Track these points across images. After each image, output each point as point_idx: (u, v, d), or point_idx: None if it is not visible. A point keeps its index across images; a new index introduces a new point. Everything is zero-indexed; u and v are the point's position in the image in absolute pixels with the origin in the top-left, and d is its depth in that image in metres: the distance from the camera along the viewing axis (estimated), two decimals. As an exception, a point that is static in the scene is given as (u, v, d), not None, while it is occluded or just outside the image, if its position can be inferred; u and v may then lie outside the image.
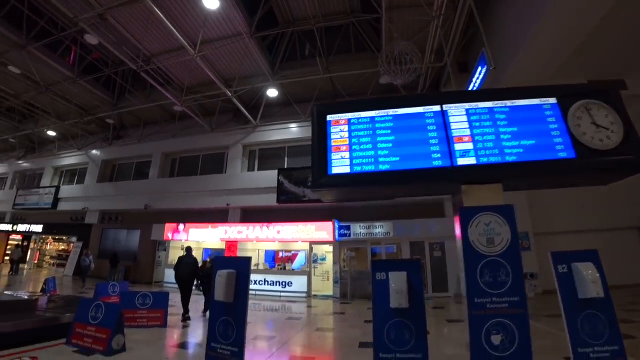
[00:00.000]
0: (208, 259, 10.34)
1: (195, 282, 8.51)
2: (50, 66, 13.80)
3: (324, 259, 13.44)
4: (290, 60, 13.56)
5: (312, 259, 13.05)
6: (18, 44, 12.63)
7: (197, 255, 15.39)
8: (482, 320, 2.44)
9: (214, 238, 14.08)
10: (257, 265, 13.45)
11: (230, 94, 12.77)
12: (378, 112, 3.03)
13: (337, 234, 12.60)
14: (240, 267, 3.55)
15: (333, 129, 3.03)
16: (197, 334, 6.56)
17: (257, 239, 13.21)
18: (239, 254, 13.71)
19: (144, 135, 17.92)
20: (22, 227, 21.89)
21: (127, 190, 17.26)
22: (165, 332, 6.42)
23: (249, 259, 3.62)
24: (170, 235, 15.09)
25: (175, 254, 15.13)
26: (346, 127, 3.02)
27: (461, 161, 2.75)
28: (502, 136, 2.80)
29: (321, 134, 3.01)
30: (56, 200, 19.96)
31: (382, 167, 2.82)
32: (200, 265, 8.69)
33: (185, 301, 7.84)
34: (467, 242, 2.58)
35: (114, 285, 8.59)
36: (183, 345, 5.68)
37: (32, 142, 22.95)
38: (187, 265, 8.03)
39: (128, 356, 4.72)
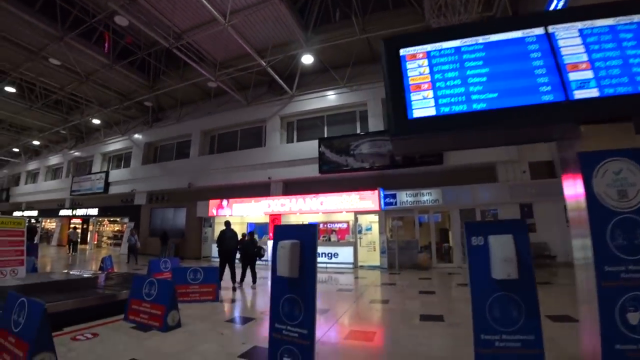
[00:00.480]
0: (246, 233, 10.59)
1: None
2: (86, 54, 13.97)
3: (369, 229, 13.13)
4: (324, 24, 12.76)
5: (357, 230, 12.78)
6: (55, 35, 12.80)
7: (241, 229, 15.79)
8: (615, 293, 1.94)
9: (257, 212, 14.14)
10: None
11: (264, 63, 12.34)
12: (464, 40, 2.46)
13: (382, 202, 12.16)
14: (305, 236, 3.12)
15: (409, 65, 2.50)
16: (249, 308, 6.54)
17: (300, 211, 13.07)
18: (283, 227, 13.76)
19: (181, 115, 18.08)
20: (80, 212, 23.40)
21: (170, 170, 17.69)
22: (218, 307, 6.34)
23: (315, 226, 3.19)
24: (214, 212, 15.38)
25: (220, 230, 15.49)
26: (425, 62, 2.48)
27: (579, 94, 2.17)
28: (630, 60, 2.17)
29: (394, 72, 2.49)
30: (107, 185, 20.99)
31: (477, 106, 2.29)
32: (239, 238, 9.04)
33: (232, 272, 8.26)
34: (591, 196, 2.03)
35: (165, 261, 8.67)
36: (237, 320, 5.53)
37: (80, 132, 24.08)
38: (230, 239, 8.38)
39: (183, 332, 4.64)
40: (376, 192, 12.11)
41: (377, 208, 12.07)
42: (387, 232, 12.18)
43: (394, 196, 12.24)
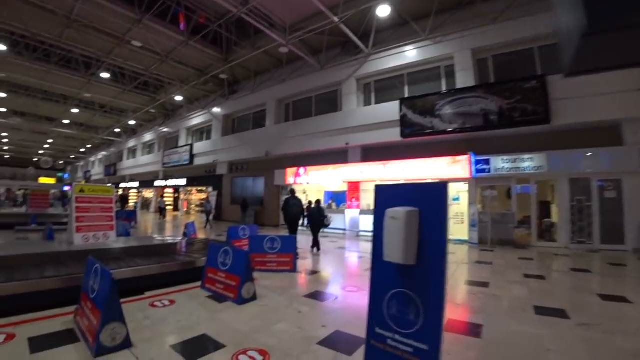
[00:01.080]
0: (313, 201, 10.61)
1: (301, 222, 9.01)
2: (163, 34, 14.48)
3: (456, 200, 11.88)
4: (402, -34, 11.27)
5: None
6: (135, 19, 13.36)
7: (320, 196, 15.62)
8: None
9: (334, 180, 13.76)
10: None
11: (336, 19, 11.37)
12: None
13: (473, 169, 10.78)
14: (429, 201, 2.16)
15: None
16: (330, 281, 6.08)
17: (380, 179, 12.32)
18: (362, 194, 13.19)
19: (255, 85, 18.14)
20: (171, 182, 25.68)
21: (248, 140, 18.09)
22: (295, 278, 6.03)
23: (444, 185, 2.20)
24: (291, 180, 15.40)
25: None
26: None
27: None
28: None
29: None
30: (191, 157, 22.45)
31: None
32: (306, 206, 9.24)
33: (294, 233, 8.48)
34: None
35: (244, 228, 8.51)
36: (317, 296, 4.91)
37: (167, 110, 25.85)
38: (294, 206, 8.55)
39: (259, 306, 4.32)
40: (466, 157, 10.76)
41: (467, 175, 10.75)
42: (478, 203, 10.87)
43: (487, 162, 10.75)
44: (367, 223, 12.44)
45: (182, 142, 24.52)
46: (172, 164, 24.51)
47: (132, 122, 28.19)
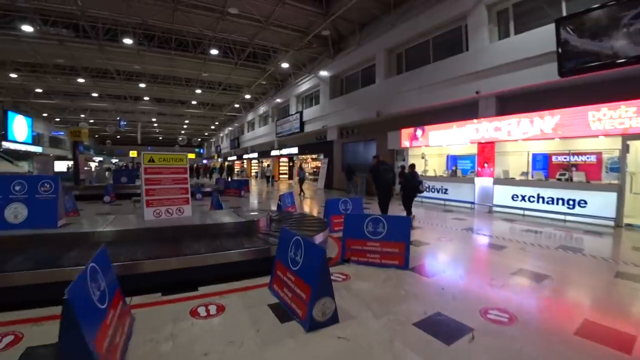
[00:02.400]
0: (407, 166, 10.08)
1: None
2: None
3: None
4: None
5: (624, 166, 8.12)
6: None
7: (440, 163, 13.45)
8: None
9: (460, 140, 11.30)
10: (525, 174, 9.99)
11: None
12: None
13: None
14: None
15: None
16: (457, 295, 3.61)
17: (524, 137, 9.51)
18: (497, 158, 10.55)
19: (362, 37, 16.25)
20: (285, 151, 26.39)
21: (357, 101, 16.64)
22: (407, 282, 3.99)
23: None
24: (407, 143, 13.51)
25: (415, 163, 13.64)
26: None
27: None
28: None
29: None
30: (302, 124, 22.29)
31: None
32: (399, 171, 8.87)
33: (385, 207, 7.88)
34: None
35: (345, 201, 7.20)
36: (438, 326, 2.87)
37: (276, 80, 26.05)
38: (385, 172, 7.88)
39: (339, 340, 2.64)
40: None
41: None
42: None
43: None
44: (503, 195, 9.88)
45: (292, 110, 24.63)
46: (284, 133, 24.99)
47: (247, 97, 29.61)
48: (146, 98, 29.86)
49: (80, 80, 23.55)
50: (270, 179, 20.93)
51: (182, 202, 5.61)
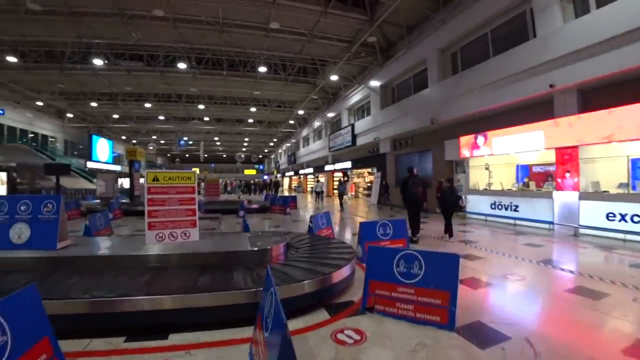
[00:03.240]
0: (444, 179, 9.71)
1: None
2: (299, 9, 13.70)
3: None
4: None
5: None
6: (267, 1, 13.21)
7: (508, 175, 11.42)
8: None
9: (532, 146, 9.35)
10: (625, 185, 7.77)
11: None
12: None
13: None
14: None
15: None
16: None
17: (623, 138, 7.39)
18: (582, 166, 8.43)
19: (410, 40, 14.98)
20: (338, 165, 25.55)
21: (409, 108, 15.25)
22: (448, 351, 2.67)
23: None
24: (467, 152, 11.77)
25: (477, 175, 11.80)
26: None
27: None
28: None
29: None
30: (353, 137, 21.32)
31: None
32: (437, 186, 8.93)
33: (416, 224, 7.49)
34: None
35: (384, 225, 5.99)
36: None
37: (327, 94, 25.58)
38: (414, 185, 7.49)
39: None
40: None
41: None
42: None
43: None
44: (594, 213, 7.71)
45: (344, 123, 23.85)
46: (336, 147, 24.23)
47: (301, 112, 29.60)
48: (206, 118, 31.46)
49: (148, 105, 25.50)
50: (319, 195, 20.10)
51: (188, 225, 5.01)
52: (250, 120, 33.24)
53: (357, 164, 22.58)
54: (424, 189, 7.73)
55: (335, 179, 28.08)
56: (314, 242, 5.71)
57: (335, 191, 28.30)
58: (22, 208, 4.51)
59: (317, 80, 22.46)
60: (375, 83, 18.46)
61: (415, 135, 15.65)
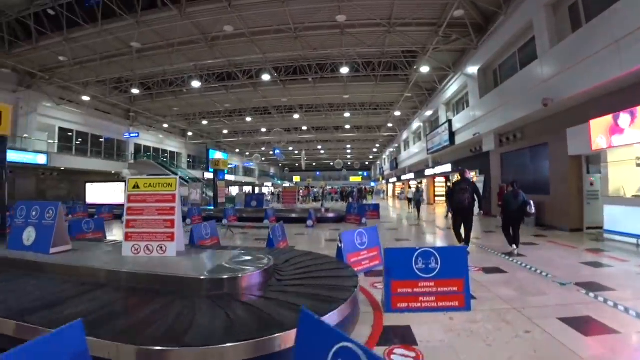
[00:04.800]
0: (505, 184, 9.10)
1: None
2: None
3: None
4: None
5: None
6: None
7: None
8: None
9: None
10: None
11: None
12: None
13: None
14: None
15: None
16: None
17: None
18: None
19: (509, 4, 11.23)
20: (438, 169, 21.95)
21: (513, 91, 11.40)
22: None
23: None
24: (602, 142, 7.79)
25: (621, 175, 7.77)
26: None
27: None
28: None
29: None
30: (451, 135, 17.78)
31: None
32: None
33: (467, 234, 6.51)
34: None
35: (426, 254, 3.73)
36: None
37: (422, 89, 22.16)
38: (460, 192, 6.36)
39: None
40: None
41: None
42: None
43: None
44: None
45: (442, 120, 20.28)
46: (434, 149, 20.80)
47: (397, 113, 26.84)
48: (304, 127, 31.52)
49: (248, 119, 26.79)
50: (412, 202, 16.97)
51: (165, 239, 4.23)
52: (347, 126, 31.96)
53: (458, 166, 18.79)
54: (475, 195, 6.45)
55: (437, 184, 24.45)
56: (314, 266, 4.29)
57: (440, 198, 24.53)
58: (34, 213, 4.71)
59: (409, 75, 19.73)
60: (472, 68, 14.85)
61: (525, 125, 11.66)
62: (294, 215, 13.62)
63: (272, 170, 55.68)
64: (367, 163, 57.87)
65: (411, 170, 30.18)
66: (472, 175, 15.82)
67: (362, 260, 5.49)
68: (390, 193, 40.57)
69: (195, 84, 18.49)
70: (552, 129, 10.06)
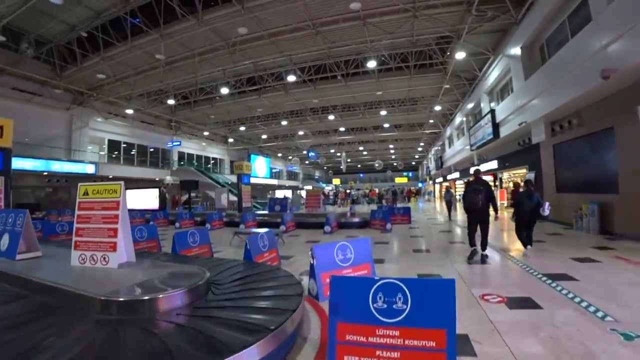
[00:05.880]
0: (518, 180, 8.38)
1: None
2: None
3: None
4: None
5: None
6: None
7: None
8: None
9: None
10: None
11: None
12: None
13: None
14: None
15: None
16: None
17: None
18: None
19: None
20: (484, 167, 19.30)
21: (563, 66, 9.04)
22: None
23: None
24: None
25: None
26: None
27: None
28: None
29: None
30: (495, 127, 15.31)
31: None
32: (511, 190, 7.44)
33: (483, 239, 5.84)
34: None
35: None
36: None
37: (461, 79, 19.73)
38: (475, 191, 5.71)
39: None
40: None
41: None
42: None
43: None
44: None
45: (485, 111, 17.73)
46: (477, 143, 18.27)
47: (437, 108, 24.38)
48: (342, 129, 30.17)
49: (284, 122, 26.25)
50: (450, 205, 14.86)
51: (108, 249, 3.83)
52: (386, 125, 29.96)
53: (505, 162, 16.22)
54: (489, 196, 5.78)
55: (445, 185, 21.63)
56: (254, 278, 3.84)
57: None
58: (9, 220, 4.70)
59: (446, 65, 17.65)
60: (514, 48, 12.47)
61: (582, 108, 9.23)
62: (313, 220, 12.42)
63: (317, 174, 55.08)
64: (413, 163, 54.62)
65: (456, 168, 27.39)
66: (521, 172, 13.36)
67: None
68: (437, 194, 37.55)
69: (224, 90, 18.31)
70: (618, 109, 7.71)
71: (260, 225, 12.42)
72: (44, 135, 17.96)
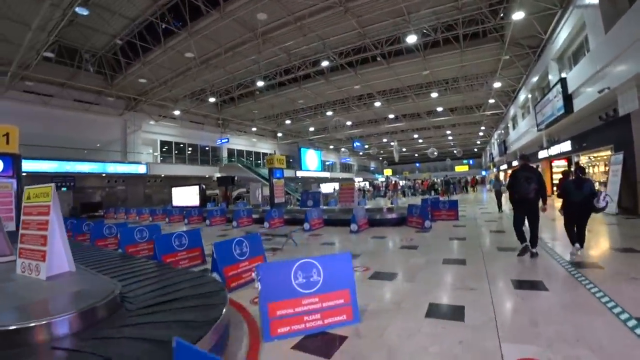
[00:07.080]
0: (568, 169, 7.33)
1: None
2: None
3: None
4: None
5: None
6: None
7: None
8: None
9: None
10: None
11: None
12: None
13: None
14: None
15: None
16: None
17: None
18: None
19: None
20: (553, 150, 15.92)
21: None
22: None
23: None
24: None
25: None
26: None
27: None
28: None
29: None
30: (567, 99, 12.18)
31: None
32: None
33: (533, 233, 4.97)
34: None
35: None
36: None
37: (523, 47, 16.26)
38: (528, 180, 4.84)
39: None
40: None
41: None
42: None
43: None
44: None
45: (553, 82, 14.38)
46: (545, 121, 15.00)
47: (497, 85, 20.87)
48: (391, 116, 27.73)
49: (329, 113, 24.94)
50: (499, 196, 12.12)
51: (39, 257, 3.38)
52: (439, 109, 26.77)
53: (581, 143, 12.91)
54: (541, 185, 4.82)
55: (555, 170, 17.99)
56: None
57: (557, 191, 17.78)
58: None
59: (503, 31, 14.74)
60: (590, -6, 9.51)
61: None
62: (344, 217, 10.86)
63: (372, 165, 52.74)
64: (475, 150, 49.18)
65: (525, 153, 23.42)
66: (604, 155, 10.34)
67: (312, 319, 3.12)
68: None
69: (260, 83, 17.70)
70: None
71: (287, 222, 11.45)
72: (102, 140, 19.37)
